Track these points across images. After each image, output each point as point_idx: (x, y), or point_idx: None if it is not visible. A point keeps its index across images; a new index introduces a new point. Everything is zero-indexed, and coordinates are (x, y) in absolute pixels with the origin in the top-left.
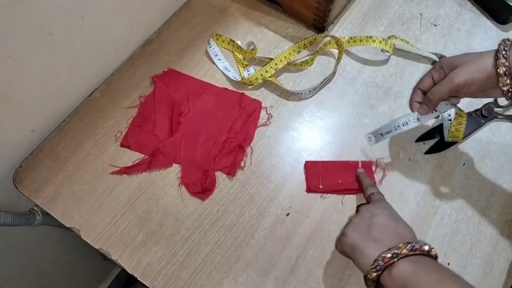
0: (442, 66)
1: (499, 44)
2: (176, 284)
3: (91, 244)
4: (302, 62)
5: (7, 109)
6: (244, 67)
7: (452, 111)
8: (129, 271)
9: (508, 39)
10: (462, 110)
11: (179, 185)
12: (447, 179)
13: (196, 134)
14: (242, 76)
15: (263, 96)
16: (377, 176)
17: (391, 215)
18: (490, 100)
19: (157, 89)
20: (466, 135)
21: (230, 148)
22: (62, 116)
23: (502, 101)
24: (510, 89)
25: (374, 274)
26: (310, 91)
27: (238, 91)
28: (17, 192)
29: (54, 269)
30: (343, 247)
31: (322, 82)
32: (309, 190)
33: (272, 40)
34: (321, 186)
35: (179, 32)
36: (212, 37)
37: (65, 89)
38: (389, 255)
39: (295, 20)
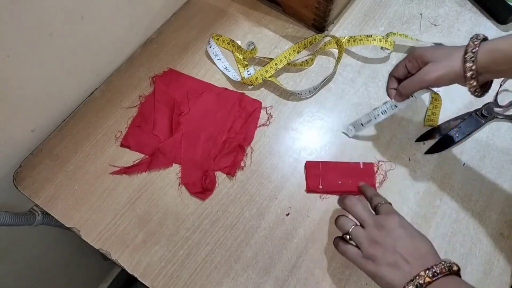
0: (414, 56)
1: (468, 45)
2: (176, 284)
3: (91, 244)
4: (302, 62)
5: (7, 109)
6: (244, 67)
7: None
8: (129, 271)
9: (477, 37)
10: (437, 93)
11: (179, 185)
12: (447, 179)
13: (196, 134)
14: (242, 76)
15: (263, 96)
16: (378, 178)
17: (407, 231)
18: (490, 100)
19: (157, 89)
20: (466, 135)
21: (230, 148)
22: (62, 116)
23: (502, 101)
24: (477, 89)
25: None
26: (310, 91)
27: (238, 91)
28: (17, 192)
29: (54, 269)
30: (364, 269)
31: (322, 82)
32: (309, 190)
33: (272, 40)
34: (321, 187)
35: (179, 32)
36: (212, 37)
37: (65, 89)
38: None
39: (295, 20)
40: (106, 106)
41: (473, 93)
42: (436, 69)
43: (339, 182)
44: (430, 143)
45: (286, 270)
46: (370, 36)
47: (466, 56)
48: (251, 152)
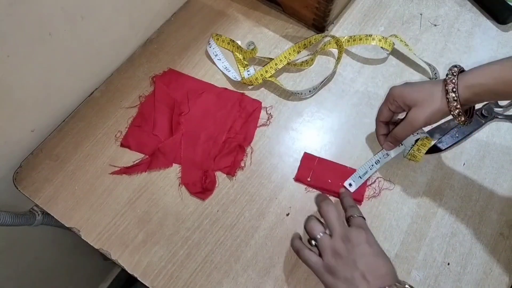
0: (394, 98)
1: (446, 83)
2: (176, 284)
3: (91, 244)
4: (302, 62)
5: (7, 109)
6: (244, 67)
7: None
8: (129, 271)
9: (453, 73)
10: (429, 138)
11: (179, 185)
12: (447, 179)
13: (196, 134)
14: (242, 76)
15: (263, 96)
16: (371, 191)
17: (371, 248)
18: None
19: (157, 89)
20: (466, 135)
21: (230, 148)
22: (62, 116)
23: (502, 101)
24: (466, 121)
25: None
26: (310, 91)
27: (238, 91)
28: (17, 192)
29: (54, 269)
30: (321, 279)
31: (322, 82)
32: (297, 179)
33: (272, 40)
34: (309, 179)
35: (179, 32)
36: (212, 37)
37: (65, 89)
38: None
39: (295, 20)
40: (106, 106)
41: (463, 124)
42: (423, 113)
43: (329, 180)
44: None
45: (286, 270)
46: (370, 35)
47: (448, 96)
48: (251, 152)
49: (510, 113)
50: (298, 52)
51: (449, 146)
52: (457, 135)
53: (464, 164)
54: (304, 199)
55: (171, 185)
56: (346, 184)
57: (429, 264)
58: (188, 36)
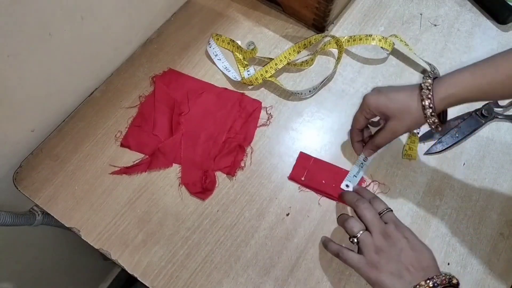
0: (370, 108)
1: (423, 98)
2: (176, 284)
3: (91, 244)
4: (302, 62)
5: (7, 109)
6: (244, 67)
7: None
8: (129, 271)
9: (427, 86)
10: (415, 135)
11: (179, 185)
12: (447, 179)
13: (196, 134)
14: (242, 76)
15: (263, 96)
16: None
17: (411, 242)
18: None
19: (157, 89)
20: (466, 135)
21: (230, 148)
22: (62, 116)
23: (502, 101)
24: (441, 128)
25: None
26: (310, 91)
27: (238, 91)
28: (17, 192)
29: (54, 269)
30: (366, 275)
31: (322, 82)
32: (291, 177)
33: (272, 40)
34: (303, 179)
35: (179, 32)
36: (212, 37)
37: (65, 89)
38: None
39: (295, 20)
40: (106, 106)
41: (436, 131)
42: (401, 125)
43: (323, 181)
44: (430, 143)
45: (286, 270)
46: (370, 35)
47: (425, 111)
48: (251, 152)
49: (510, 113)
50: (298, 52)
51: (449, 146)
52: (457, 135)
53: (464, 164)
54: (304, 199)
55: (171, 185)
56: (343, 186)
57: None
58: (188, 36)
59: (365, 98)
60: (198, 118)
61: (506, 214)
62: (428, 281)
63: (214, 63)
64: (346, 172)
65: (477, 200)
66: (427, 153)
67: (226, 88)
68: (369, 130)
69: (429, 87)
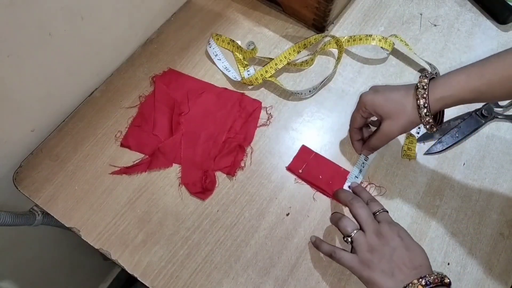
0: (366, 107)
1: (418, 98)
2: (176, 284)
3: (91, 244)
4: (302, 62)
5: (7, 109)
6: (244, 67)
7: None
8: (129, 271)
9: (423, 85)
10: (412, 135)
11: (179, 185)
12: (447, 179)
13: (196, 134)
14: (242, 76)
15: (263, 96)
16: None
17: (404, 242)
18: None
19: (157, 89)
20: (466, 135)
21: (230, 148)
22: (62, 116)
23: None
24: (436, 130)
25: None
26: (310, 91)
27: (238, 91)
28: (17, 192)
29: (54, 269)
30: (359, 274)
31: (322, 82)
32: (288, 168)
33: (272, 40)
34: (300, 171)
35: (179, 32)
36: (212, 37)
37: (65, 89)
38: None
39: (295, 20)
40: (106, 106)
41: (431, 132)
42: (396, 126)
43: (320, 176)
44: (430, 143)
45: (286, 270)
46: (370, 35)
47: (420, 111)
48: (251, 152)
49: (510, 113)
50: (298, 52)
51: (449, 146)
52: (457, 135)
53: (464, 164)
54: (304, 199)
55: (171, 185)
56: (345, 187)
57: None
58: (188, 36)
59: (361, 97)
60: (198, 118)
61: (506, 214)
62: (420, 279)
63: (214, 63)
64: (346, 171)
65: (477, 200)
66: (427, 153)
67: (226, 88)
68: (369, 129)
69: (425, 87)
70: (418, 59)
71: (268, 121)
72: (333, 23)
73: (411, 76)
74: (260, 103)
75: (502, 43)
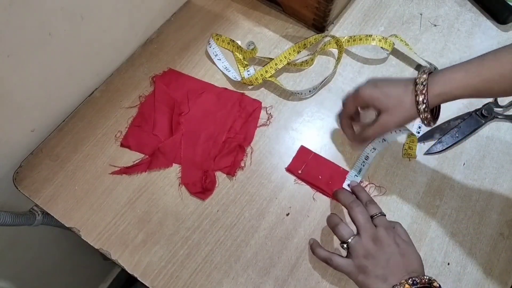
0: (363, 99)
1: (417, 93)
2: (176, 284)
3: (91, 244)
4: (302, 62)
5: (7, 109)
6: (244, 67)
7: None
8: (129, 271)
9: (422, 82)
10: (413, 135)
11: (179, 185)
12: (447, 179)
13: (196, 134)
14: (242, 76)
15: (263, 96)
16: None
17: (400, 248)
18: (490, 100)
19: (157, 89)
20: (466, 135)
21: (230, 148)
22: (62, 116)
23: (502, 101)
24: (433, 123)
25: None
26: (310, 91)
27: (238, 91)
28: (17, 192)
29: (54, 269)
30: (354, 278)
31: (322, 82)
32: (288, 169)
33: (272, 40)
34: (300, 172)
35: (179, 32)
36: (212, 37)
37: (65, 89)
38: None
39: (295, 20)
40: (106, 106)
41: (429, 126)
42: (394, 119)
43: (319, 177)
44: (430, 143)
45: (286, 270)
46: (370, 36)
47: (419, 107)
48: (251, 152)
49: (510, 113)
50: (298, 52)
51: (449, 146)
52: (457, 135)
53: (464, 164)
54: (304, 199)
55: (171, 185)
56: (344, 186)
57: (429, 264)
58: (188, 36)
59: (359, 89)
60: (198, 118)
61: (506, 214)
62: (408, 279)
63: (214, 63)
64: (345, 171)
65: (477, 200)
66: (427, 153)
67: (226, 88)
68: (360, 122)
69: (424, 83)
70: (418, 59)
71: (268, 121)
72: (333, 23)
73: (411, 76)
74: (260, 103)
75: (502, 43)
